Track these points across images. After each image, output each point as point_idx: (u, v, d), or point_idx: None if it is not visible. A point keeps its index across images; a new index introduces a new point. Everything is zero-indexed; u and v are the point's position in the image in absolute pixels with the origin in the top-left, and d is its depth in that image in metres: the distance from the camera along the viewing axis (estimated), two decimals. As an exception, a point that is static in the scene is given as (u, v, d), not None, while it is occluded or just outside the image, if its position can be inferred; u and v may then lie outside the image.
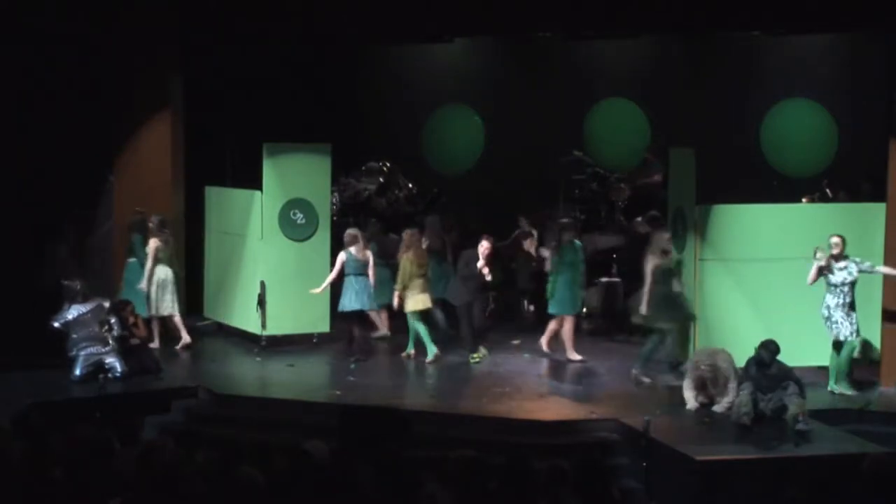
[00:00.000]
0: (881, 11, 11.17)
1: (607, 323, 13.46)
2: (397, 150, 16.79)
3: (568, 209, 15.21)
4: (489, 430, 9.47)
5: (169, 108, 13.25)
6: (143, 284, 12.01)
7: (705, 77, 15.79)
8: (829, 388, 10.28)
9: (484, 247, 11.64)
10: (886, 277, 10.52)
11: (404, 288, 11.52)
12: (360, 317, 11.93)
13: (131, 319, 11.32)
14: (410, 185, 16.43)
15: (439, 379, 10.89)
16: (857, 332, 10.17)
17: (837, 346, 10.27)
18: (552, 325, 11.85)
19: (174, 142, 13.32)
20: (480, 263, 11.55)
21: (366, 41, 15.41)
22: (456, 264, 13.19)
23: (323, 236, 12.60)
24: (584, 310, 13.95)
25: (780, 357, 9.48)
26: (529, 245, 14.95)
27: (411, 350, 11.86)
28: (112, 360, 10.88)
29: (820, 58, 15.57)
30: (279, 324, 12.45)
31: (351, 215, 15.61)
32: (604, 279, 13.68)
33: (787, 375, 9.36)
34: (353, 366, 11.58)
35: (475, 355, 11.64)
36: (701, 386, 9.85)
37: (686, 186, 10.99)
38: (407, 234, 11.72)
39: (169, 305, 12.22)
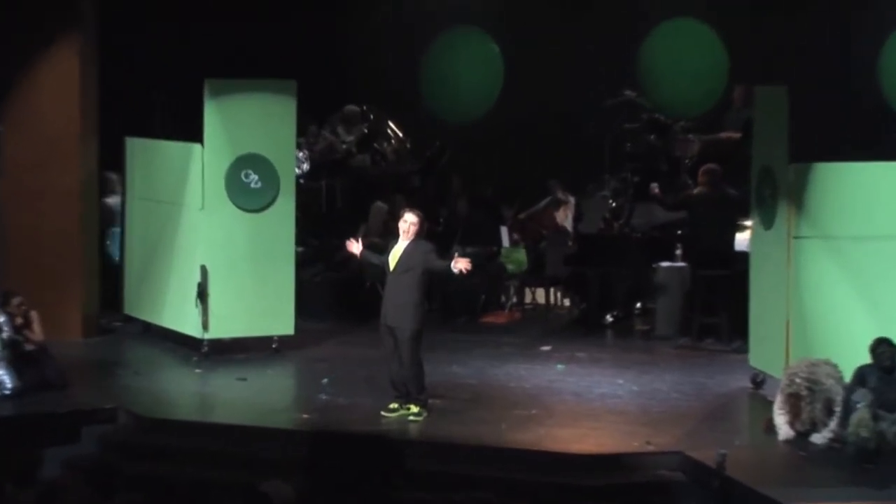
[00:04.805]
0: None
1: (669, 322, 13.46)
2: (386, 89, 16.71)
3: (616, 170, 15.17)
4: (509, 465, 9.47)
5: (78, 32, 13.19)
6: None
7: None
8: None
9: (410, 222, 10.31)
10: None
11: None
12: None
13: (18, 320, 11.22)
14: (403, 137, 16.37)
15: (442, 397, 10.87)
16: None
17: None
18: None
19: (85, 78, 13.26)
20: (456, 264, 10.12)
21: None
22: (464, 244, 13.11)
23: (285, 205, 12.56)
24: (639, 305, 13.98)
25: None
26: (563, 216, 14.92)
27: None
28: (0, 373, 10.88)
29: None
30: (227, 324, 12.44)
31: (324, 177, 15.58)
32: (664, 263, 13.65)
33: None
34: (325, 380, 11.56)
35: (417, 409, 10.39)
36: (796, 408, 9.82)
37: (776, 138, 10.93)
38: None
39: None
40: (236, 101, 12.48)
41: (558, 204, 15.00)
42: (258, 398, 11.21)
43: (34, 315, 11.43)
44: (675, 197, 13.68)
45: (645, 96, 15.60)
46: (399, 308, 10.29)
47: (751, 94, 12.63)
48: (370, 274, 13.42)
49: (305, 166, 15.43)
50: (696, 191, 13.32)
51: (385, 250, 10.63)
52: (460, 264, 10.13)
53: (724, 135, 14.85)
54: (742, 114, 14.32)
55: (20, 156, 13.16)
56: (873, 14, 15.72)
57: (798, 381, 9.80)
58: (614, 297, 14.13)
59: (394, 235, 10.81)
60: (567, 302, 14.88)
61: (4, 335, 11.04)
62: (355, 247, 10.81)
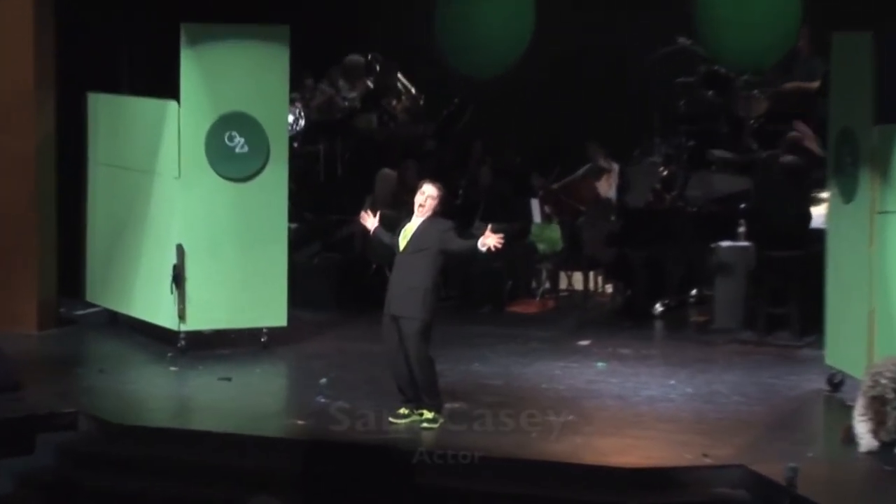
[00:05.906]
0: None
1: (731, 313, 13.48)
2: (396, 36, 16.71)
3: (668, 132, 15.14)
4: (540, 480, 9.50)
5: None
6: None
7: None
8: None
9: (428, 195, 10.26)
10: None
11: None
12: None
13: None
14: (415, 93, 16.37)
15: (461, 401, 10.90)
16: None
17: None
18: None
19: (39, 24, 13.29)
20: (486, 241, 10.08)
21: None
22: (486, 220, 13.15)
23: (276, 173, 12.60)
24: (694, 292, 13.97)
25: None
26: (606, 187, 14.91)
27: None
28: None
29: None
30: (207, 314, 12.51)
31: (322, 139, 15.59)
32: (725, 243, 13.64)
33: None
34: (323, 380, 11.61)
35: (430, 414, 10.38)
36: (880, 414, 9.83)
37: (858, 95, 10.91)
38: None
39: None
40: (219, 49, 12.49)
41: (599, 172, 14.98)
42: (244, 401, 11.25)
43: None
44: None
45: (702, 44, 15.55)
46: (406, 294, 10.23)
47: (817, 37, 12.59)
48: (377, 255, 13.44)
49: (301, 123, 15.45)
50: (766, 155, 13.30)
51: (396, 223, 10.58)
52: (490, 240, 10.08)
53: (790, 85, 14.77)
54: (812, 64, 14.29)
55: (-36, 115, 13.26)
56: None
57: (883, 382, 9.80)
58: (665, 283, 14.13)
59: (405, 209, 10.80)
60: (609, 288, 14.87)
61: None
62: (370, 221, 10.65)
